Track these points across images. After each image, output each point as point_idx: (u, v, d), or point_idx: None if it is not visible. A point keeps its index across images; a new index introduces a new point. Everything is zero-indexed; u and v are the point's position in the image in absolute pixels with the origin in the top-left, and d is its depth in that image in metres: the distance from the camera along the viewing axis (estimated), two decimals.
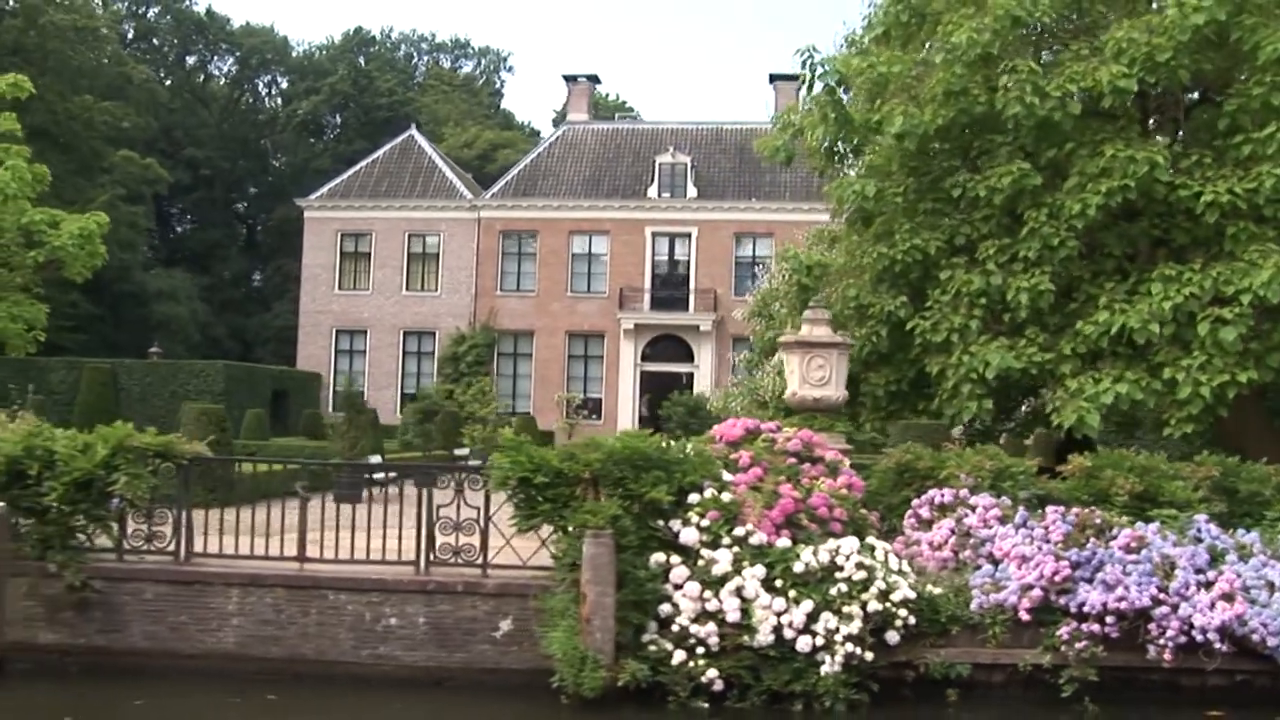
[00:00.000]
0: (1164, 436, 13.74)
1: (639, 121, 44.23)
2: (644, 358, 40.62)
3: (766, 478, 9.61)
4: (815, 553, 9.10)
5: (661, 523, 9.27)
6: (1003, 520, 9.91)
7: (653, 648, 8.84)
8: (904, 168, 15.29)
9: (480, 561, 9.46)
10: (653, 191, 40.87)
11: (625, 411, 40.39)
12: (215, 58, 63.58)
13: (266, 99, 68.47)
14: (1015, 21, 13.15)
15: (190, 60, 62.83)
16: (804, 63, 15.66)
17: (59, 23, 41.18)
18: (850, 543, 9.25)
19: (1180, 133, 14.04)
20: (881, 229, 15.27)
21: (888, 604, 9.03)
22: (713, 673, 8.76)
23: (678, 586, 9.02)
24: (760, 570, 9.03)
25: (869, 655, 8.87)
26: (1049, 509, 10.02)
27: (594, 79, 44.57)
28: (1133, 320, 12.54)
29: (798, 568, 8.98)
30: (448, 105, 67.90)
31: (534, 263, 41.48)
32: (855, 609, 8.93)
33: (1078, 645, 9.06)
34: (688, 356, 40.37)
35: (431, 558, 9.49)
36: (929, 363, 14.42)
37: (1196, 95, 14.19)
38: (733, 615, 8.89)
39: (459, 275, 41.77)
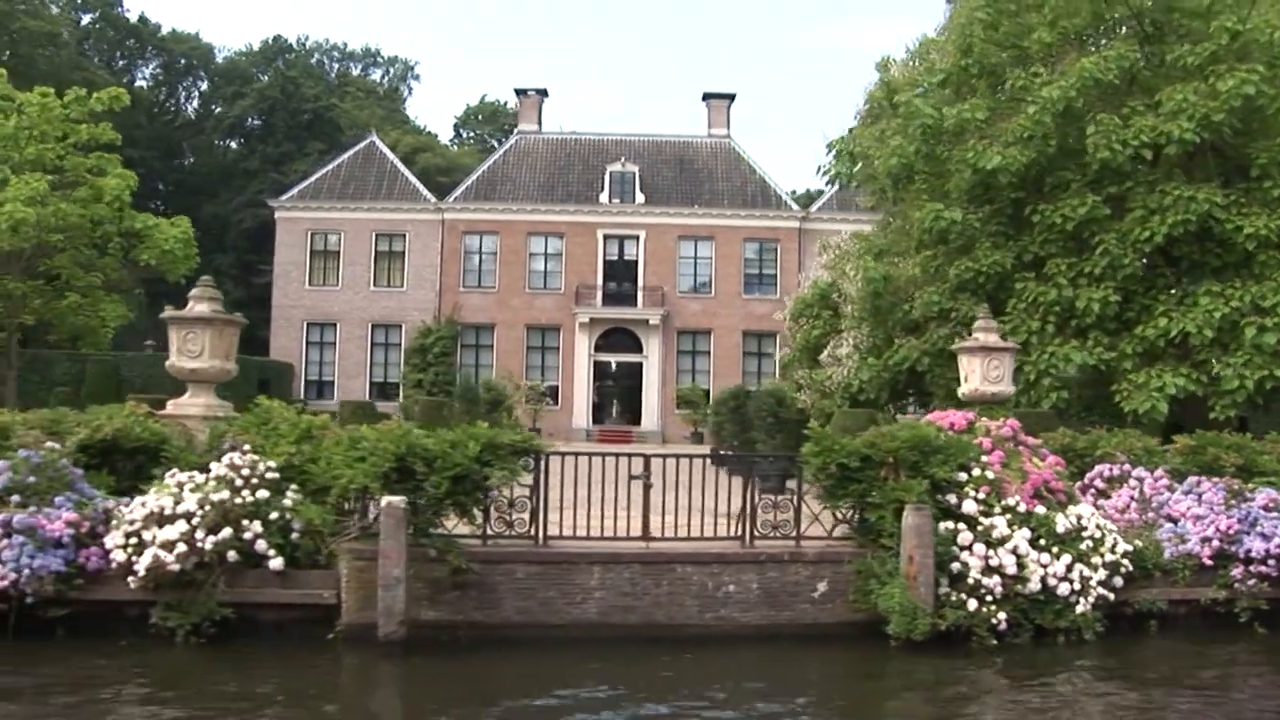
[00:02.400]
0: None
1: (587, 132, 44.52)
2: (597, 348, 41.28)
3: (1010, 459, 10.84)
4: (1067, 517, 10.41)
5: (939, 496, 10.36)
6: (1169, 488, 11.49)
7: (953, 598, 9.94)
8: (971, 196, 16.78)
9: (794, 534, 10.32)
10: (604, 197, 41.53)
11: (580, 398, 41.02)
12: (143, 62, 59.79)
13: (185, 102, 64.93)
14: (1096, 82, 14.78)
15: (120, 64, 58.83)
16: (895, 106, 16.93)
17: (30, 28, 38.18)
18: (1087, 508, 10.64)
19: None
20: (958, 247, 16.72)
21: (1115, 555, 10.43)
22: (1001, 615, 9.96)
23: (964, 548, 10.14)
24: (1026, 532, 10.27)
25: (1111, 596, 10.26)
26: (1191, 478, 11.67)
27: (543, 92, 44.68)
28: (1189, 326, 14.44)
29: (1059, 529, 10.28)
30: (366, 111, 66.15)
31: (495, 261, 41.49)
32: (1098, 560, 10.30)
33: (1249, 583, 10.70)
34: (637, 348, 41.28)
35: (755, 532, 10.27)
36: None
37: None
38: (1011, 569, 10.10)
39: (424, 272, 41.33)
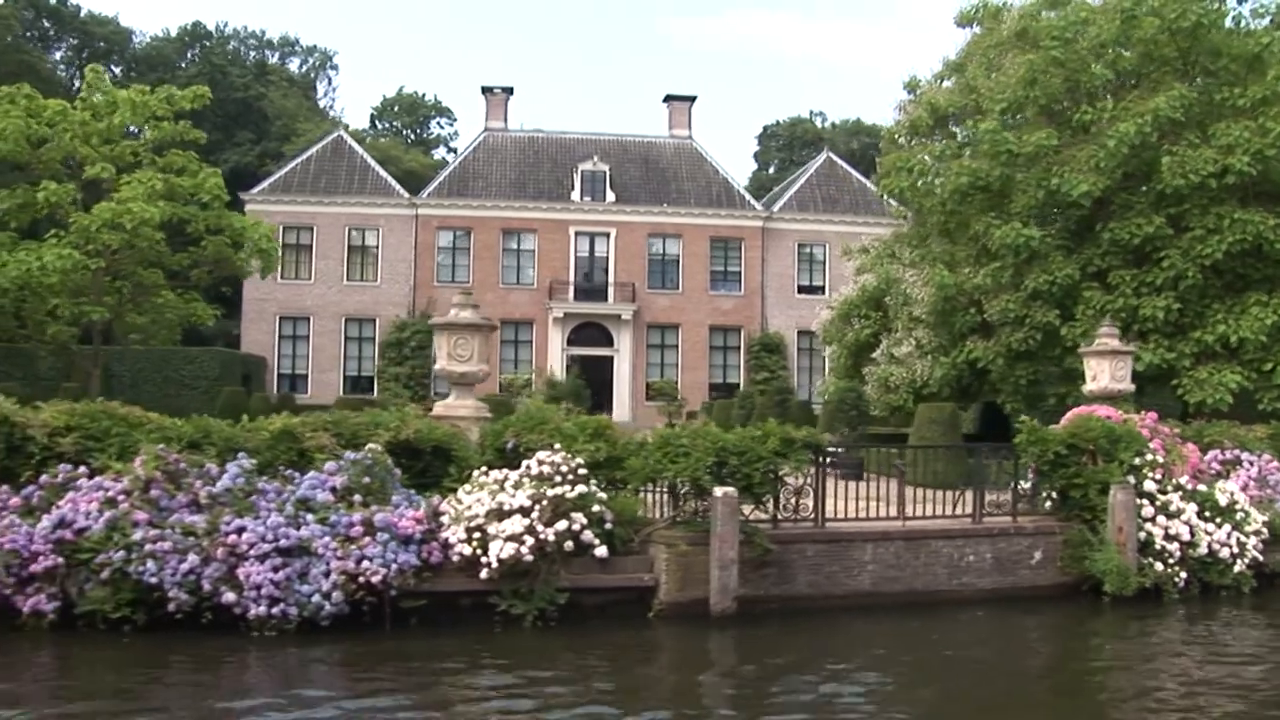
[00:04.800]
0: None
1: (553, 131, 45.24)
2: (569, 342, 42.22)
3: (1170, 445, 12.87)
4: (1222, 493, 12.52)
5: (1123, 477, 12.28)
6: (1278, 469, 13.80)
7: (1142, 562, 11.88)
8: (1038, 214, 18.86)
9: (1012, 512, 12.06)
10: (575, 195, 42.43)
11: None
12: (59, 45, 56.65)
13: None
14: (1170, 120, 17.07)
15: (37, 46, 55.50)
16: (941, 125, 18.94)
17: None
18: (1234, 485, 12.76)
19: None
20: (1024, 259, 18.74)
21: (1258, 524, 12.62)
22: (1182, 574, 11.98)
23: (1148, 520, 12.09)
24: (1194, 506, 12.31)
25: (1261, 558, 12.43)
26: None
27: (509, 90, 45.11)
28: (1245, 331, 16.92)
29: (1221, 502, 12.36)
30: (293, 101, 64.61)
31: (468, 256, 41.87)
32: (1249, 528, 12.45)
33: None
34: (608, 342, 42.42)
35: (983, 510, 11.95)
36: (1074, 360, 18.17)
37: None
38: (1185, 536, 12.13)
39: (398, 267, 41.33)
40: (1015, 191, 18.91)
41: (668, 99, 45.91)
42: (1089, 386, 14.82)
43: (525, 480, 10.65)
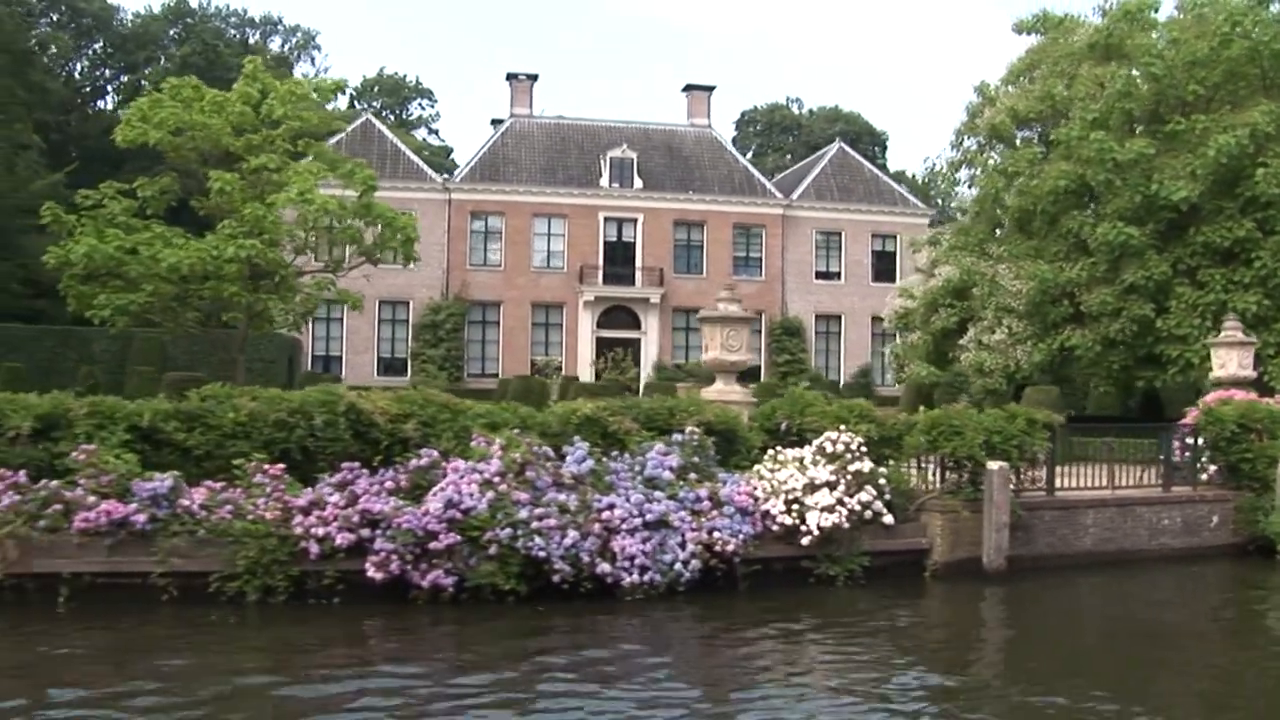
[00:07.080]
0: None
1: (577, 118, 46.47)
2: (598, 325, 43.75)
3: None
4: None
5: None
6: None
7: None
8: (1131, 215, 21.20)
9: (1192, 481, 14.30)
10: (604, 181, 43.82)
11: (585, 372, 43.38)
12: (49, 22, 55.63)
13: (73, 63, 60.77)
14: (1266, 134, 19.48)
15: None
16: (1022, 127, 21.23)
17: None
18: None
19: None
20: (1116, 257, 21.07)
21: None
22: None
23: None
24: None
25: None
26: None
27: (533, 77, 46.12)
28: None
29: None
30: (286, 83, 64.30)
31: (500, 240, 42.99)
32: None
33: None
34: (636, 324, 44.07)
35: (1171, 480, 14.16)
36: (1166, 349, 20.63)
37: None
38: None
39: (431, 250, 42.06)
40: (1110, 194, 21.20)
41: (688, 88, 47.49)
42: (1216, 374, 17.18)
43: (819, 458, 12.43)
